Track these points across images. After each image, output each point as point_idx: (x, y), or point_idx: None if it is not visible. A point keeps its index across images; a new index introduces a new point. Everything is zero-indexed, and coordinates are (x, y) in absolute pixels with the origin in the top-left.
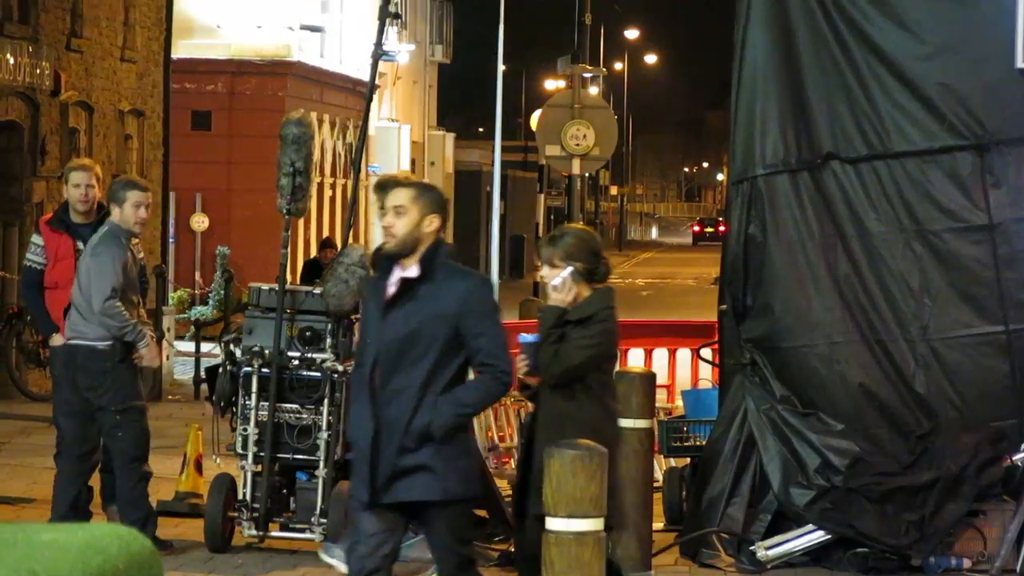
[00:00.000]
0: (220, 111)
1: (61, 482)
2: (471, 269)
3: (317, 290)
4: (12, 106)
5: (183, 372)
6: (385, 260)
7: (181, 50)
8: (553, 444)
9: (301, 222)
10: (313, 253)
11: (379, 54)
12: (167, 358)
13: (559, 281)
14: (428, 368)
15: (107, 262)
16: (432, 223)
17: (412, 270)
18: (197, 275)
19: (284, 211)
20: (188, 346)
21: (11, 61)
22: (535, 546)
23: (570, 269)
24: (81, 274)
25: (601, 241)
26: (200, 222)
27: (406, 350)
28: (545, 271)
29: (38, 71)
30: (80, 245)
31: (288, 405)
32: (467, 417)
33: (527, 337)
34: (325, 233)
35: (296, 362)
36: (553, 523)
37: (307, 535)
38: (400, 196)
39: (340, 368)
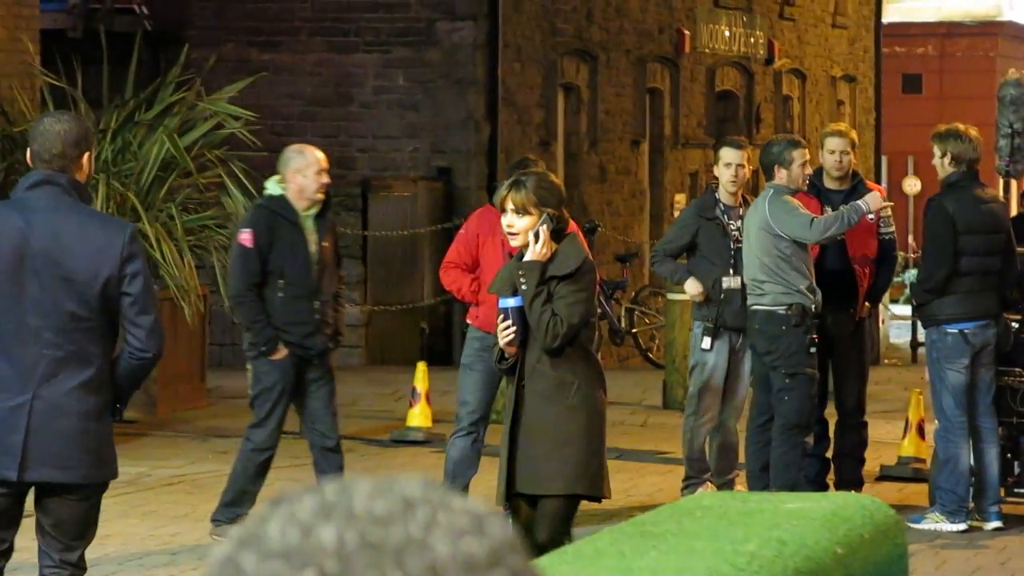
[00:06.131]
0: (930, 73)
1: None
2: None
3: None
4: (728, 76)
5: (898, 336)
6: None
7: (891, 14)
8: (558, 416)
9: (1014, 183)
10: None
11: None
12: (882, 322)
13: (539, 232)
14: None
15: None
16: None
17: None
18: (910, 238)
19: (1003, 172)
20: (903, 310)
21: (726, 33)
22: (523, 529)
23: (545, 218)
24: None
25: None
26: (912, 185)
27: None
28: (512, 219)
29: (752, 40)
30: (828, 210)
31: (1016, 368)
32: None
33: (509, 301)
34: None
35: (1016, 325)
36: None
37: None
38: None
39: None
